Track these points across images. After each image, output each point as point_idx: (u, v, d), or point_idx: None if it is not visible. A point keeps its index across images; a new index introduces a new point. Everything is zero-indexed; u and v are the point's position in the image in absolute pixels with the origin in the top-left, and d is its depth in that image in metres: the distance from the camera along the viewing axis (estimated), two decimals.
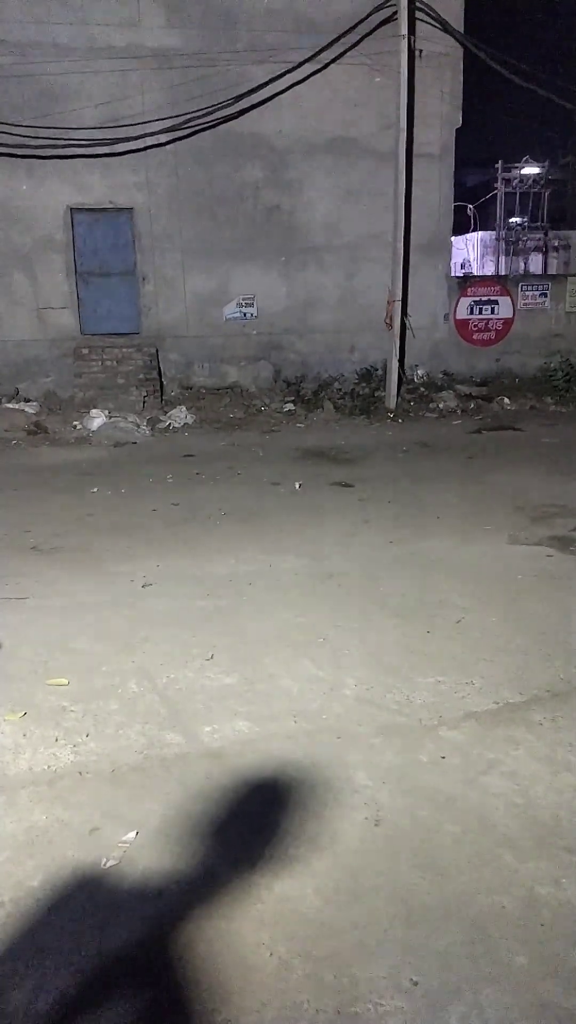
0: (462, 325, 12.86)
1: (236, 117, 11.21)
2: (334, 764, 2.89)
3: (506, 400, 11.94)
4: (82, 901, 2.26)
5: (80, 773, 2.87)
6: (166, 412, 11.09)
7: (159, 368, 11.77)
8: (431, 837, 2.50)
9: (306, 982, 1.99)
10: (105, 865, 2.39)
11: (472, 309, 12.83)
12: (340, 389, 12.08)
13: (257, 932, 2.14)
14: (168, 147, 11.21)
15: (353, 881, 2.32)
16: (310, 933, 2.14)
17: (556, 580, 4.76)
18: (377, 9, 10.89)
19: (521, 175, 24.57)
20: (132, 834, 2.52)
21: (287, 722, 3.19)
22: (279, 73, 10.90)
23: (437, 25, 11.19)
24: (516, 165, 24.45)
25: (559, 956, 2.06)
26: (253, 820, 2.59)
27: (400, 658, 3.74)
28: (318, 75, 11.26)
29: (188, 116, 10.91)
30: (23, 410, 10.75)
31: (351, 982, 1.99)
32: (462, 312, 12.81)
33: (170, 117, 10.91)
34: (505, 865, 2.38)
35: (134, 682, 3.54)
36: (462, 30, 11.53)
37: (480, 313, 12.87)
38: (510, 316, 12.99)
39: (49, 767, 2.91)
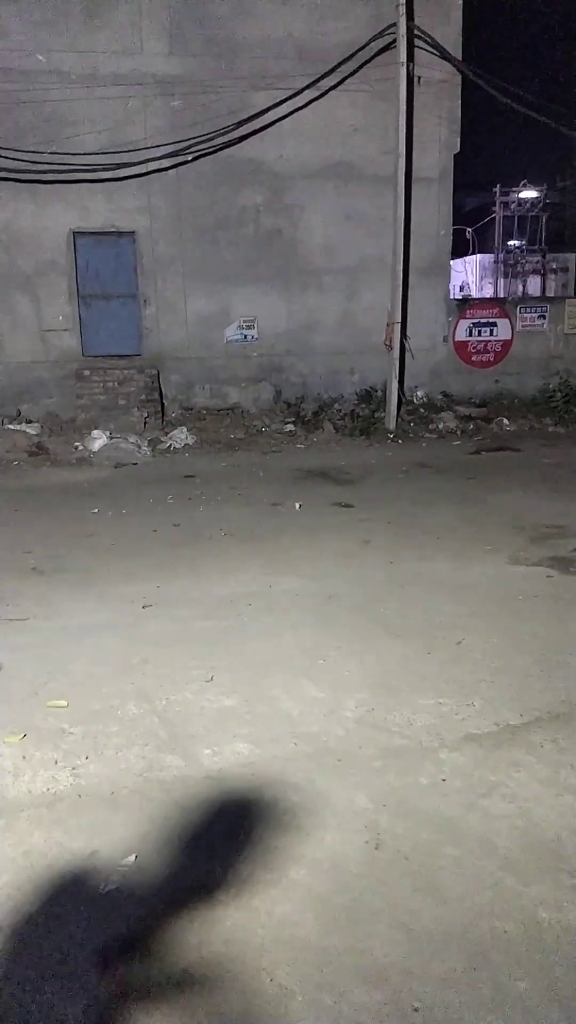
0: (461, 347, 12.94)
1: (237, 143, 11.36)
2: (335, 787, 2.88)
3: (505, 421, 11.99)
4: (82, 926, 2.25)
5: (79, 796, 2.85)
6: (167, 433, 11.13)
7: (160, 389, 11.83)
8: (432, 860, 2.49)
9: (306, 1008, 1.97)
10: (104, 889, 2.38)
11: (471, 331, 12.92)
12: (340, 410, 12.13)
13: (257, 957, 2.13)
14: (170, 172, 11.35)
15: (354, 905, 2.30)
16: (310, 958, 2.12)
17: (557, 601, 4.76)
18: (376, 37, 11.07)
19: (519, 199, 24.82)
20: (131, 858, 2.51)
21: (287, 744, 3.18)
22: (280, 99, 11.06)
23: (435, 52, 11.37)
24: (514, 189, 24.71)
25: (561, 982, 2.05)
26: (254, 844, 2.58)
27: (401, 679, 3.74)
28: (318, 101, 11.42)
29: (190, 142, 11.06)
30: (25, 431, 10.80)
31: (352, 1008, 1.97)
32: (461, 334, 12.90)
33: (172, 143, 11.06)
34: (507, 889, 2.37)
35: (134, 704, 3.53)
36: (460, 57, 11.72)
37: (479, 335, 12.95)
38: (509, 338, 13.07)
39: (48, 790, 2.90)
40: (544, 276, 25.41)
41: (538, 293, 23.89)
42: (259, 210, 11.82)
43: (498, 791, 2.84)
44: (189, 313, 11.90)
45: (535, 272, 25.39)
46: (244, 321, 12.09)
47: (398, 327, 11.78)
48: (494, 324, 13.00)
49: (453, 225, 13.26)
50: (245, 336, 12.14)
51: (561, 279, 25.33)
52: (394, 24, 10.94)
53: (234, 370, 12.22)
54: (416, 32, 11.18)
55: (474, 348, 12.99)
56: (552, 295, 22.69)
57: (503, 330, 13.03)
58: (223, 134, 11.12)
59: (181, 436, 10.95)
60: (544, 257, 25.43)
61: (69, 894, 2.37)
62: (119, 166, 10.99)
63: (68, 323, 11.60)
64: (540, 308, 13.36)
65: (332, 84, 11.27)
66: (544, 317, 13.21)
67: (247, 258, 11.91)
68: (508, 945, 2.16)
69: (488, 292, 25.22)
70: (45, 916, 2.29)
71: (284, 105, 11.15)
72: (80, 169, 10.89)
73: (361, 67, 11.28)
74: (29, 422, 11.25)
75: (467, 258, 26.78)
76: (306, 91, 11.12)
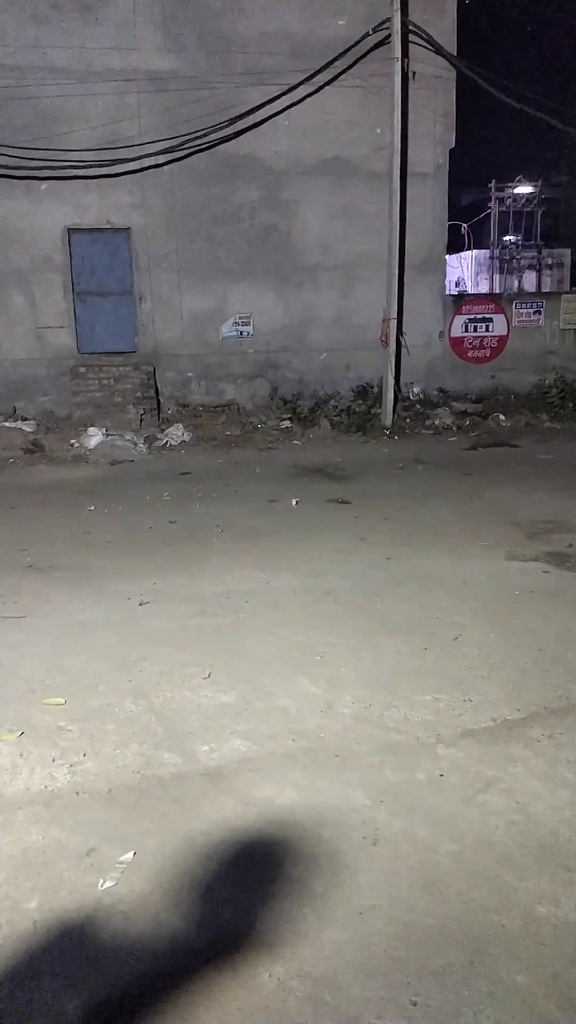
0: (457, 343, 12.94)
1: (232, 139, 11.34)
2: (332, 783, 2.88)
3: (501, 417, 12.00)
4: (79, 923, 2.25)
5: (77, 793, 2.85)
6: (163, 430, 11.12)
7: (156, 386, 11.82)
8: (429, 856, 2.50)
9: (305, 1003, 1.98)
10: (102, 886, 2.38)
11: (467, 327, 12.93)
12: (336, 406, 12.14)
13: (256, 953, 2.13)
14: (165, 168, 11.33)
15: (351, 901, 2.31)
16: (308, 954, 2.13)
17: (553, 596, 4.77)
18: (371, 32, 11.04)
19: (514, 194, 24.80)
20: (129, 855, 2.51)
21: (285, 741, 3.18)
22: (275, 95, 11.04)
23: (430, 48, 11.35)
24: (509, 184, 24.69)
25: (559, 975, 2.05)
26: (250, 840, 2.58)
27: (398, 676, 3.74)
28: (313, 97, 11.41)
29: (185, 138, 11.04)
30: (20, 429, 10.77)
31: (350, 1003, 1.98)
32: (457, 330, 12.90)
33: (167, 139, 11.03)
34: (504, 884, 2.37)
35: (131, 701, 3.53)
36: (455, 52, 11.70)
37: (475, 331, 12.96)
38: (505, 334, 13.08)
39: (46, 787, 2.90)
40: (539, 271, 25.38)
41: (534, 288, 23.87)
42: (254, 206, 11.80)
43: (496, 786, 2.85)
44: (184, 310, 11.89)
45: (531, 267, 25.37)
46: (240, 317, 12.08)
47: (394, 323, 11.78)
48: (490, 320, 13.00)
49: (448, 221, 13.25)
50: (241, 332, 12.13)
51: (556, 274, 25.31)
52: (388, 19, 10.92)
53: (230, 367, 12.21)
54: (411, 27, 11.16)
55: (470, 344, 13.00)
56: (548, 290, 22.67)
57: (499, 326, 13.04)
58: (217, 130, 11.10)
59: (177, 433, 10.94)
60: (540, 252, 25.41)
61: (67, 892, 2.37)
62: (114, 162, 10.96)
63: (63, 320, 11.57)
64: (536, 303, 13.37)
65: (327, 80, 11.26)
66: (540, 312, 13.22)
67: (242, 254, 11.89)
68: (506, 940, 2.17)
69: (484, 288, 25.19)
70: (43, 913, 2.29)
71: (279, 101, 11.13)
72: (75, 165, 10.86)
73: (356, 63, 11.27)
74: (25, 420, 11.23)
75: (462, 254, 26.73)
76: (301, 87, 11.10)
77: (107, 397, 11.37)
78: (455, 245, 22.79)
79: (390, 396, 11.81)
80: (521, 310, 13.18)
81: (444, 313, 12.83)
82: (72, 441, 10.53)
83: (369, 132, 11.73)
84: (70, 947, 2.17)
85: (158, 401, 11.81)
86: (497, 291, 22.77)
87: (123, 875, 2.43)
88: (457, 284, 25.51)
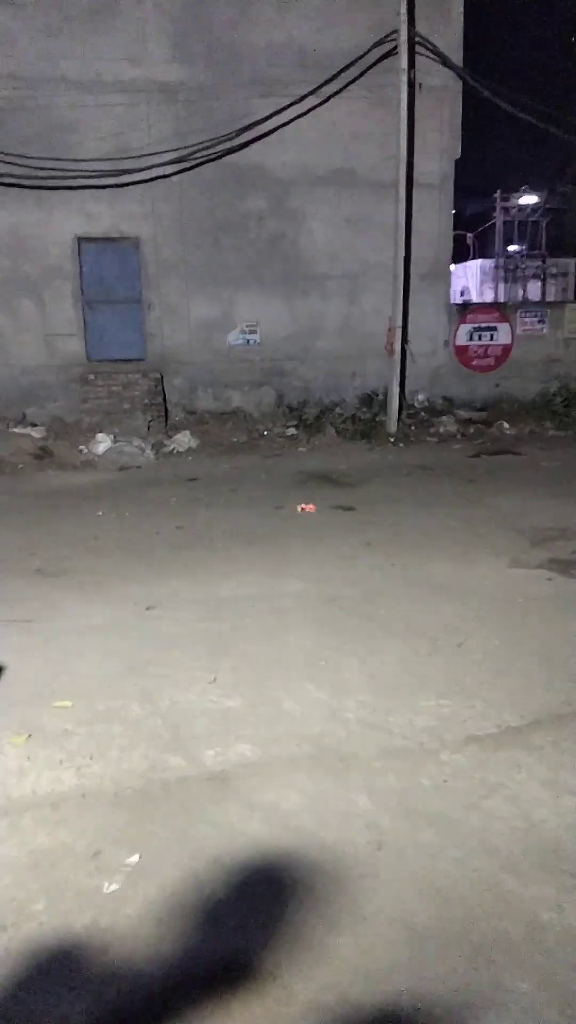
0: (462, 351, 12.96)
1: (240, 149, 11.41)
2: (336, 788, 2.90)
3: (506, 425, 12.01)
4: (86, 926, 2.27)
5: (83, 796, 2.87)
6: (170, 436, 11.17)
7: (164, 393, 11.88)
8: (433, 862, 2.51)
9: (308, 1009, 1.99)
10: (108, 889, 2.40)
11: (472, 336, 12.95)
12: (342, 414, 12.16)
13: (259, 957, 2.14)
14: (174, 178, 11.40)
15: (354, 906, 2.32)
16: (311, 958, 2.14)
17: (557, 603, 4.77)
18: (378, 44, 11.10)
19: (519, 204, 24.91)
20: (135, 858, 2.53)
21: (290, 745, 3.20)
22: (282, 106, 11.10)
23: (436, 59, 11.41)
24: (515, 194, 24.81)
25: (563, 982, 2.06)
26: (255, 844, 2.60)
27: (402, 681, 3.75)
28: (320, 108, 11.46)
29: (193, 148, 11.12)
30: (30, 435, 10.83)
31: (353, 1008, 1.99)
32: (462, 338, 12.93)
33: (175, 149, 11.11)
34: (508, 890, 2.38)
35: (137, 705, 3.55)
36: (461, 63, 11.75)
37: (480, 339, 12.98)
38: (509, 342, 13.09)
39: (53, 790, 2.92)
40: (544, 281, 25.46)
41: (538, 298, 23.93)
42: (262, 216, 11.86)
43: (499, 792, 2.86)
44: (192, 318, 11.95)
45: (535, 277, 25.45)
46: (247, 326, 12.13)
47: (399, 332, 11.81)
48: (494, 329, 13.02)
49: (454, 230, 13.29)
50: (248, 340, 12.18)
51: (561, 284, 25.38)
52: (395, 31, 10.98)
53: (237, 374, 12.26)
54: (417, 39, 11.22)
55: (475, 352, 13.02)
56: (552, 300, 22.72)
57: (503, 335, 13.06)
58: (226, 140, 11.17)
59: (184, 439, 10.98)
60: (544, 262, 25.49)
61: (73, 894, 2.38)
62: (123, 172, 11.04)
63: (73, 328, 11.65)
64: (540, 312, 13.38)
65: (334, 91, 11.31)
66: (544, 322, 13.23)
67: (250, 263, 11.96)
68: (509, 946, 2.18)
69: (488, 297, 25.27)
70: (49, 915, 2.30)
71: (286, 112, 11.19)
72: (85, 175, 10.94)
73: (363, 74, 11.32)
74: (34, 425, 11.29)
75: (467, 263, 26.84)
76: (308, 98, 11.16)
77: (115, 404, 11.43)
78: (460, 255, 22.87)
79: (395, 404, 11.83)
80: (525, 319, 13.20)
81: (449, 322, 12.86)
82: (81, 447, 10.58)
83: (375, 142, 11.78)
84: (76, 950, 2.19)
85: (166, 408, 11.87)
86: (502, 300, 22.83)
87: (129, 878, 2.44)
88: (462, 293, 25.61)
